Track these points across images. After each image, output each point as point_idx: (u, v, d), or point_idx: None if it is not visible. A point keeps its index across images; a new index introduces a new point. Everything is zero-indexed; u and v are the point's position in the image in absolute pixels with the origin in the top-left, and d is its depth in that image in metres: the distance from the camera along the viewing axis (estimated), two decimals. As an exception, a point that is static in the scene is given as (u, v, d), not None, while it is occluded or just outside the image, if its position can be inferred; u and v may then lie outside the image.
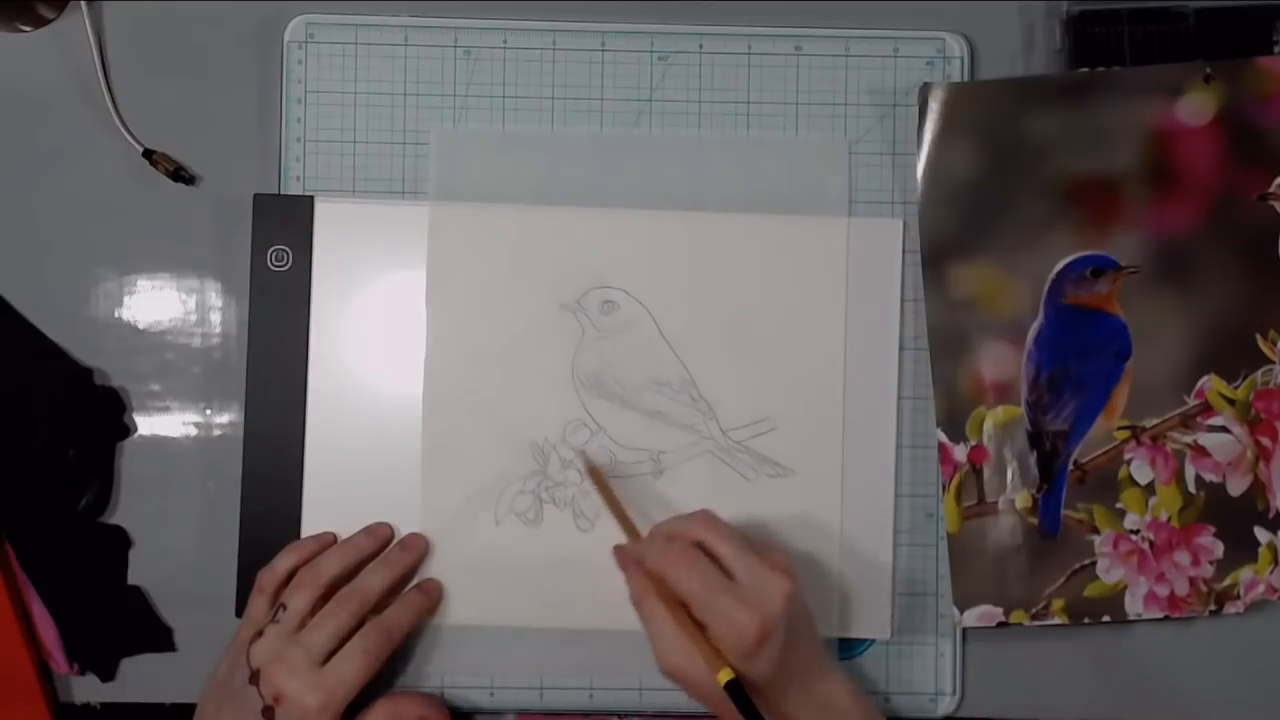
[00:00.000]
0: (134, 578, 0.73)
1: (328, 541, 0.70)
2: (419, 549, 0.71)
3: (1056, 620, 0.72)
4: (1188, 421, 0.72)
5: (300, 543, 0.70)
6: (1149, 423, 0.72)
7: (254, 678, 0.65)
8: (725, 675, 0.61)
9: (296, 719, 0.64)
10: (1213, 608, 0.72)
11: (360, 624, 0.66)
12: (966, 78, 0.73)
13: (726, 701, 0.61)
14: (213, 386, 0.73)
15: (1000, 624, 0.72)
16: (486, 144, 0.73)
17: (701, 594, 0.62)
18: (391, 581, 0.69)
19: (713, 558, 0.64)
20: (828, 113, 0.73)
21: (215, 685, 0.67)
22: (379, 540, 0.71)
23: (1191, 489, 0.72)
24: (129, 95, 0.73)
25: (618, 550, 0.68)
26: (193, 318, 0.73)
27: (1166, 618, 0.72)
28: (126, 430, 0.73)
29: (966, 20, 0.74)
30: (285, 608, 0.66)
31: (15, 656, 0.71)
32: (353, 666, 0.65)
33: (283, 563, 0.69)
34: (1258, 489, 0.72)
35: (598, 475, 0.70)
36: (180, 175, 0.72)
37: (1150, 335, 0.72)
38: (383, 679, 0.68)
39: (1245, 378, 0.72)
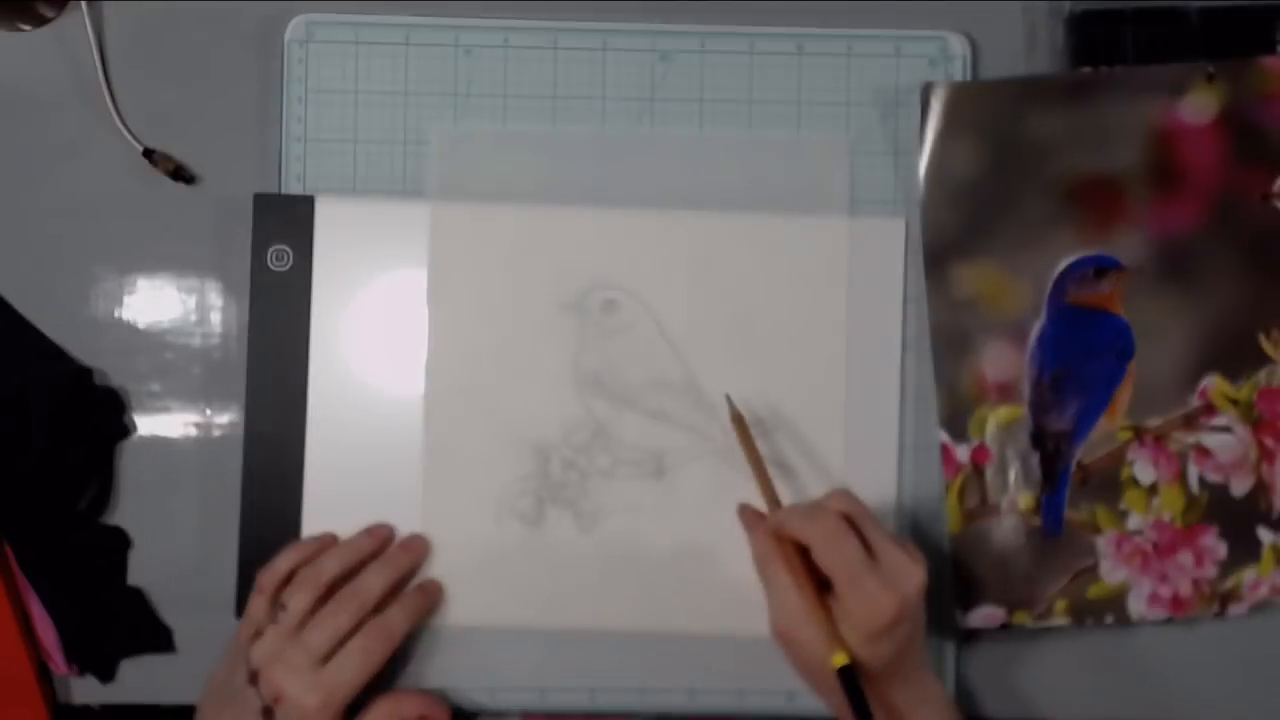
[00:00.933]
0: (133, 578, 0.72)
1: (328, 542, 0.70)
2: (419, 550, 0.71)
3: (1059, 621, 0.72)
4: (1191, 422, 0.72)
5: (301, 543, 0.70)
6: (1152, 423, 0.72)
7: (253, 678, 0.64)
8: (840, 659, 0.61)
9: (296, 719, 0.64)
10: (1216, 609, 0.72)
11: (360, 624, 0.66)
12: (969, 77, 0.73)
13: (831, 680, 0.61)
14: (213, 386, 0.73)
15: (1003, 625, 0.72)
16: (487, 143, 0.73)
17: (847, 568, 0.62)
18: (391, 582, 0.69)
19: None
20: (829, 112, 0.73)
21: (215, 686, 0.67)
22: (379, 541, 0.70)
23: (1194, 490, 0.72)
24: (129, 94, 0.73)
25: (744, 508, 0.69)
26: (193, 317, 0.73)
27: (1170, 619, 0.72)
28: (126, 430, 0.72)
29: (969, 19, 0.74)
30: (285, 608, 0.66)
31: (14, 657, 0.71)
32: (352, 666, 0.65)
33: (283, 563, 0.68)
34: (1261, 490, 0.72)
35: (742, 424, 0.70)
36: (180, 175, 0.72)
37: (1153, 335, 0.71)
38: (383, 679, 0.68)
39: (1248, 378, 0.72)
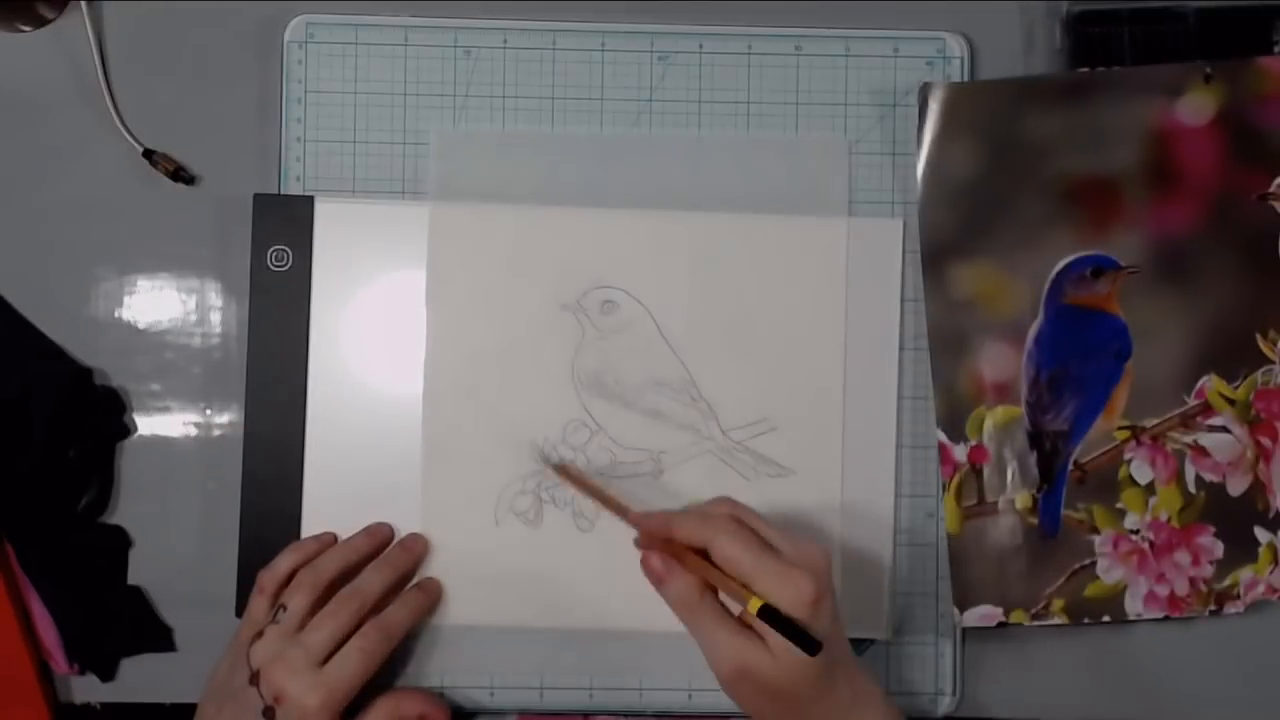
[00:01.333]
0: (134, 578, 0.73)
1: (328, 542, 0.70)
2: (418, 549, 0.71)
3: (1056, 620, 0.72)
4: (1188, 421, 0.72)
5: (301, 543, 0.70)
6: (1149, 423, 0.72)
7: (254, 678, 0.65)
8: (755, 603, 0.59)
9: (297, 719, 0.64)
10: (1213, 608, 0.72)
11: (360, 624, 0.66)
12: (966, 78, 0.73)
13: (799, 708, 0.60)
14: (213, 386, 0.73)
15: (1000, 624, 0.72)
16: (486, 144, 0.73)
17: (750, 560, 0.60)
18: (391, 581, 0.69)
19: None
20: (828, 113, 0.73)
21: (216, 686, 0.67)
22: (379, 541, 0.70)
23: (1191, 489, 0.72)
24: (129, 95, 0.73)
25: (648, 559, 0.63)
26: (193, 318, 0.73)
27: (1166, 618, 0.72)
28: (126, 430, 0.73)
29: (967, 20, 0.74)
30: (285, 608, 0.66)
31: (15, 656, 0.71)
32: (352, 666, 0.65)
33: (283, 563, 0.69)
34: (1258, 489, 0.72)
35: (567, 472, 0.70)
36: (180, 175, 0.72)
37: (1150, 335, 0.72)
38: (383, 678, 0.68)
39: (1245, 377, 0.72)
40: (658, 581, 0.63)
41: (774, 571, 0.60)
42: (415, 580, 0.71)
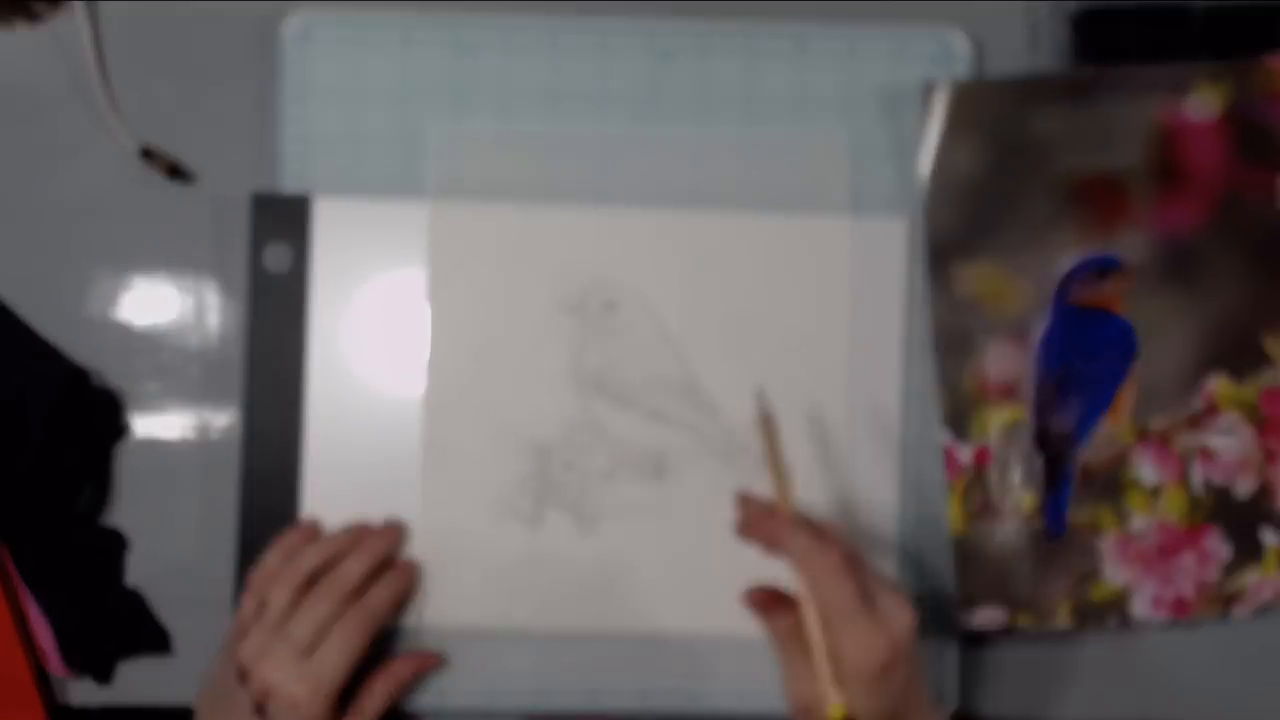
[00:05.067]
0: (131, 579, 0.72)
1: (310, 532, 0.69)
2: (394, 535, 0.70)
3: (1062, 624, 0.71)
4: (1194, 423, 0.71)
5: (285, 536, 0.69)
6: (1155, 424, 0.71)
7: (243, 676, 0.64)
8: (838, 711, 0.59)
9: (287, 711, 0.63)
10: (1220, 611, 0.72)
11: (344, 612, 0.66)
12: (971, 76, 0.73)
13: None
14: (210, 387, 0.72)
15: (1005, 627, 0.71)
16: (487, 142, 0.72)
17: (846, 609, 0.59)
18: (369, 566, 0.68)
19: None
20: (831, 110, 0.73)
21: (209, 687, 0.67)
22: (356, 536, 0.69)
23: (1198, 491, 0.72)
24: (125, 93, 0.72)
25: (755, 594, 0.63)
26: (190, 318, 0.73)
27: (1173, 621, 0.72)
28: (123, 431, 0.72)
29: (972, 18, 0.73)
30: (267, 604, 0.66)
31: (11, 659, 0.71)
32: (337, 653, 0.64)
33: (271, 559, 0.68)
34: (1265, 491, 0.72)
35: (769, 427, 0.65)
36: (177, 173, 0.72)
37: (1157, 336, 0.71)
38: (376, 664, 0.68)
39: (1252, 379, 0.71)
40: (762, 614, 0.63)
41: (858, 631, 0.59)
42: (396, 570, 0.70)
